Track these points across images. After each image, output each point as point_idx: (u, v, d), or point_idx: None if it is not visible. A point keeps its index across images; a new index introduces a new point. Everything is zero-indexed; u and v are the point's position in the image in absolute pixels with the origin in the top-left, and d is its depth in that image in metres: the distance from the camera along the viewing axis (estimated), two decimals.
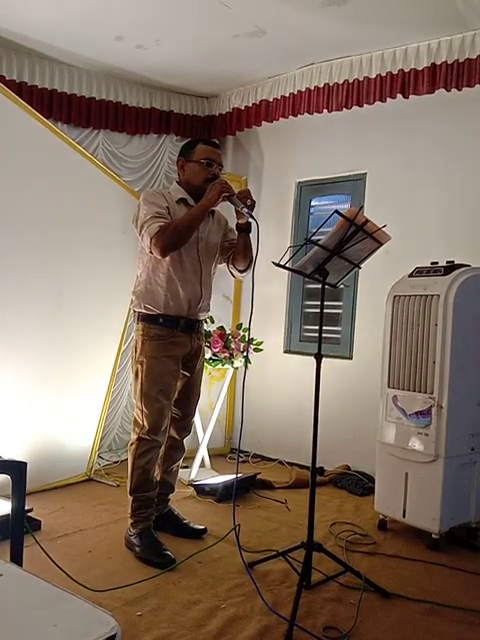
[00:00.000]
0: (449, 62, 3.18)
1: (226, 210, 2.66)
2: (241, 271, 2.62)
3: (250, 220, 2.39)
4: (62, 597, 0.81)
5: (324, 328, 2.27)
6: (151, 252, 2.38)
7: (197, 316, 2.55)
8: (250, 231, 2.51)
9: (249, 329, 2.37)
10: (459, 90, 3.17)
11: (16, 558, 1.63)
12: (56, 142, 2.98)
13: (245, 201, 2.36)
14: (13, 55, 3.52)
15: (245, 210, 2.34)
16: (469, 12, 2.90)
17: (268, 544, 2.54)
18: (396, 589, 2.19)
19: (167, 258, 2.39)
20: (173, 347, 2.48)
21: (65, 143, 3.04)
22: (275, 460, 4.00)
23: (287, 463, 3.92)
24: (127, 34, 3.35)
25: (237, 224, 2.52)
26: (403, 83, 3.34)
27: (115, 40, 3.41)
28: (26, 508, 1.99)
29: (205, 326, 2.82)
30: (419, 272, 2.81)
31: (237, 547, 2.26)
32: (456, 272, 2.66)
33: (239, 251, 2.55)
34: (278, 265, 2.16)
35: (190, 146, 2.54)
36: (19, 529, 1.67)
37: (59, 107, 3.69)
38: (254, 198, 2.42)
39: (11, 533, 1.66)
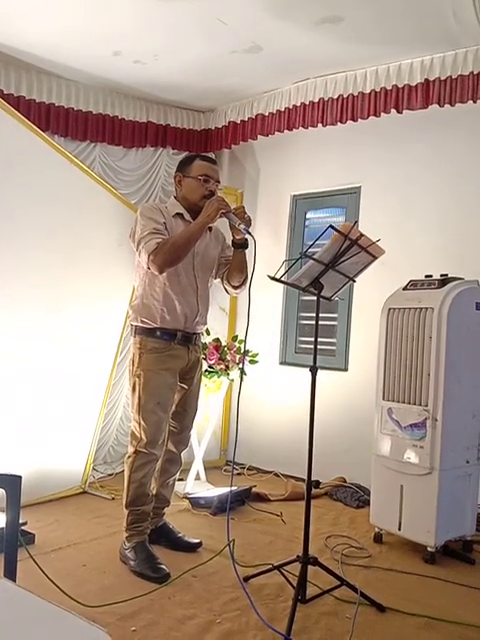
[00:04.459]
0: (442, 78, 3.23)
1: (223, 226, 2.68)
2: (235, 287, 2.62)
3: (247, 236, 2.40)
4: (56, 613, 0.81)
5: (319, 340, 2.29)
6: (148, 268, 2.39)
7: (194, 329, 2.55)
8: (246, 247, 2.52)
9: (245, 341, 2.38)
10: (452, 105, 3.22)
11: (9, 573, 1.61)
12: (53, 155, 3.00)
13: (242, 218, 2.37)
14: (11, 70, 3.55)
15: (242, 226, 2.35)
16: (461, 31, 2.96)
17: (263, 558, 2.53)
18: (392, 603, 2.18)
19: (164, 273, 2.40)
20: (170, 360, 2.48)
21: (62, 156, 3.06)
22: (271, 472, 3.99)
23: (283, 475, 3.91)
24: (125, 50, 3.39)
25: (233, 240, 2.53)
26: (397, 98, 3.39)
27: (113, 55, 3.44)
28: (20, 522, 1.98)
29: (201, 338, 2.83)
30: (413, 285, 2.83)
31: (232, 561, 2.26)
32: (450, 285, 2.69)
33: (234, 267, 2.56)
34: (274, 279, 2.18)
35: (187, 161, 2.55)
36: (13, 543, 1.66)
37: (56, 121, 3.72)
38: (249, 212, 2.43)
39: (5, 547, 1.64)
